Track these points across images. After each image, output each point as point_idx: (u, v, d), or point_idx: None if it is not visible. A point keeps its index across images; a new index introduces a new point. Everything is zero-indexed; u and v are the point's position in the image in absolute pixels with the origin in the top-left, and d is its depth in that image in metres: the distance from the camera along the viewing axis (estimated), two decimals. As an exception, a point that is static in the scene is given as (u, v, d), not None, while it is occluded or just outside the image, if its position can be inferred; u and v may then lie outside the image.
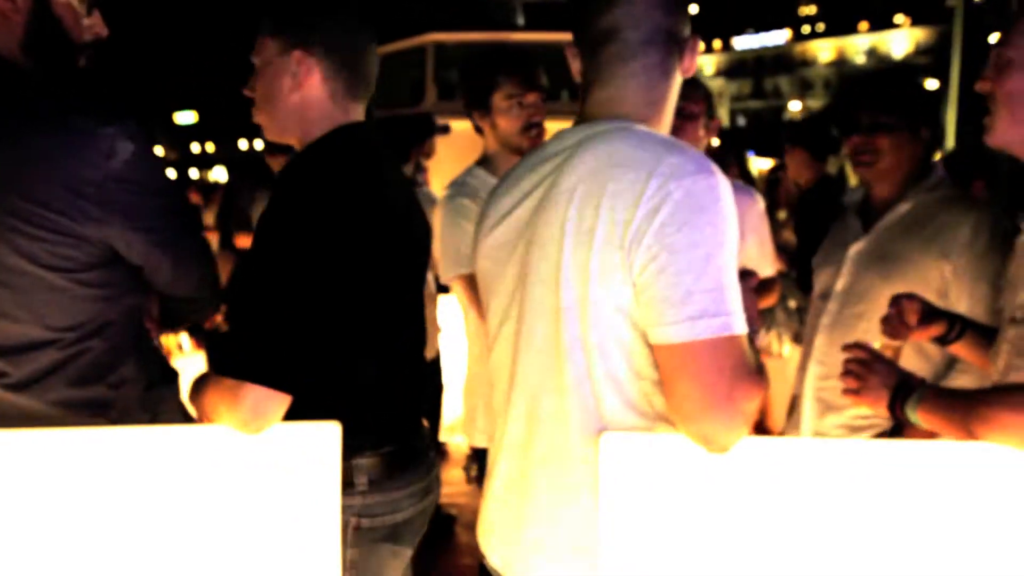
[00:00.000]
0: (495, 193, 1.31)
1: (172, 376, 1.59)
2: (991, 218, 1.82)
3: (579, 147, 1.15)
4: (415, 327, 1.48)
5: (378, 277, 1.30)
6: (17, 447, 1.20)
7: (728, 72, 72.51)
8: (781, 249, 3.48)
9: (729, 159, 3.34)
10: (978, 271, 1.78)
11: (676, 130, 2.20)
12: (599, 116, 1.20)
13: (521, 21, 7.50)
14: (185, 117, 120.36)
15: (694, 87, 2.23)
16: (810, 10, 72.48)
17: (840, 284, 1.98)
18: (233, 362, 1.21)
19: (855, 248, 1.98)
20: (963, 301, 1.79)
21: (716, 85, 72.87)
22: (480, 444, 2.22)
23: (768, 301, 2.57)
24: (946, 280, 1.81)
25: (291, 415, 1.24)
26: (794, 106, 66.06)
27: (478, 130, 2.20)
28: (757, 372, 1.06)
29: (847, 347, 1.47)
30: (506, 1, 7.50)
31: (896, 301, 1.60)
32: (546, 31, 7.10)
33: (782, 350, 3.14)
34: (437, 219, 2.15)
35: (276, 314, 1.22)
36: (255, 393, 1.18)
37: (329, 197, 1.25)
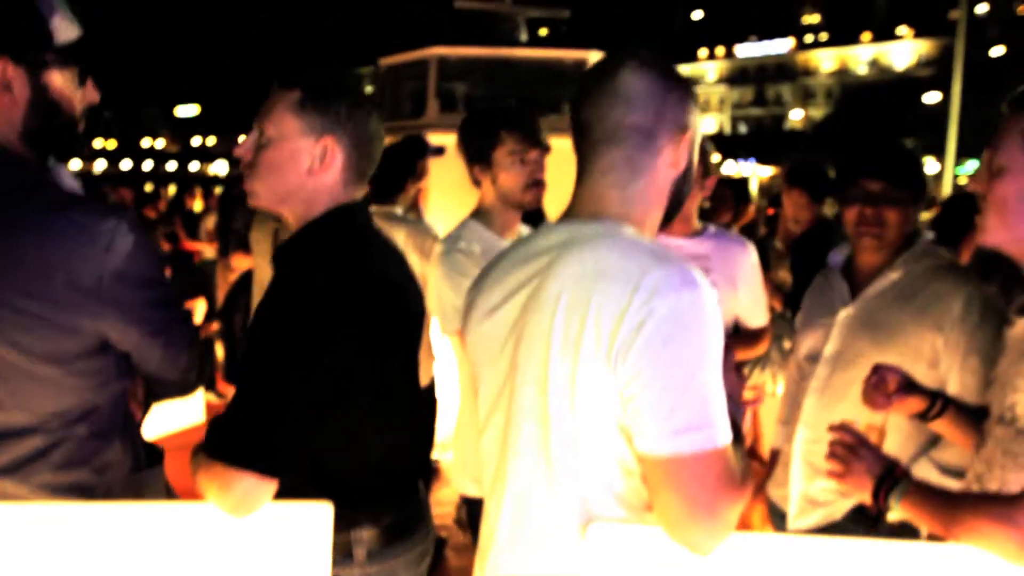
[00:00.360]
0: (483, 281, 1.32)
1: (157, 458, 1.59)
2: (982, 291, 1.84)
3: (564, 250, 1.16)
4: (412, 396, 1.50)
5: (373, 359, 1.32)
6: (2, 522, 1.20)
7: (730, 79, 72.63)
8: (777, 288, 3.50)
9: (723, 204, 3.35)
10: (970, 345, 1.79)
11: None
12: (581, 214, 1.22)
13: (524, 37, 7.50)
14: (187, 110, 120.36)
15: None
16: (813, 19, 72.67)
17: (830, 349, 1.99)
18: (226, 446, 1.22)
19: (844, 313, 1.98)
20: (954, 373, 1.81)
21: (718, 92, 73.03)
22: (469, 493, 2.23)
23: (759, 349, 2.59)
24: (937, 352, 1.82)
25: (285, 490, 1.25)
26: (796, 115, 66.19)
27: (476, 183, 2.20)
28: (740, 480, 1.08)
29: (833, 428, 1.49)
30: (510, 17, 7.49)
31: (876, 370, 1.62)
32: (549, 47, 7.13)
33: (775, 389, 3.16)
34: (433, 272, 2.15)
35: (270, 398, 1.23)
36: (246, 481, 1.19)
37: (323, 286, 1.27)
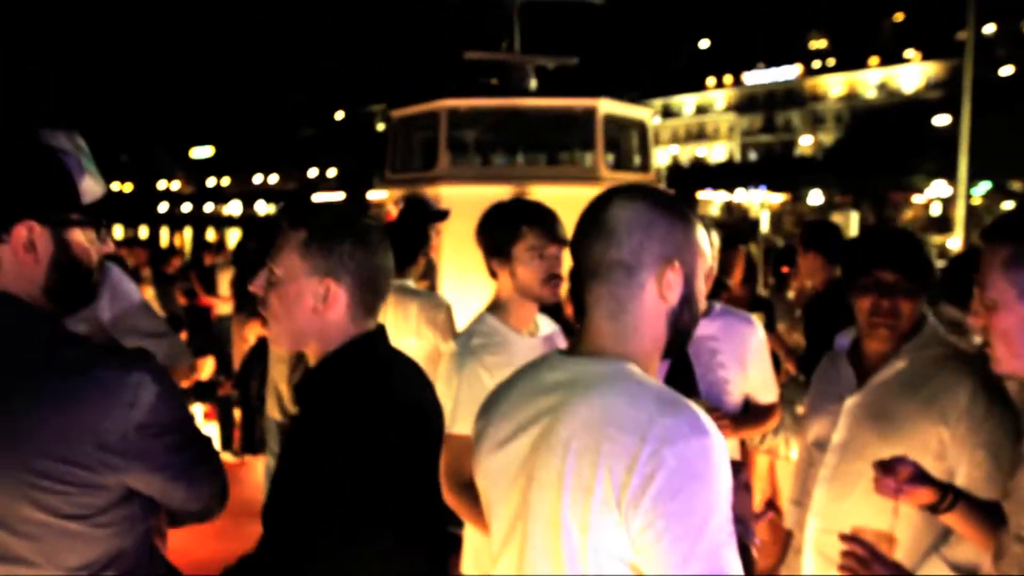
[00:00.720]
0: (492, 412, 1.34)
1: None
2: (989, 380, 1.82)
3: (572, 392, 1.18)
4: (436, 508, 1.50)
5: (400, 488, 1.33)
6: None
7: (739, 107, 72.95)
8: (790, 352, 3.49)
9: (727, 280, 3.34)
10: (976, 438, 1.78)
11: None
12: (584, 350, 1.24)
13: (534, 85, 7.57)
14: (201, 152, 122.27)
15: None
16: (820, 44, 73.07)
17: (837, 438, 1.99)
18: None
19: (851, 402, 1.98)
20: (962, 466, 1.80)
21: (727, 120, 73.34)
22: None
23: (770, 425, 2.57)
24: (944, 444, 1.82)
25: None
26: (805, 140, 66.27)
27: (493, 275, 2.20)
28: None
29: (843, 538, 1.49)
30: (519, 66, 7.57)
31: (887, 464, 1.62)
32: (558, 96, 7.20)
33: (789, 453, 3.14)
34: (446, 368, 2.15)
35: (299, 544, 1.25)
36: None
37: (344, 423, 1.30)
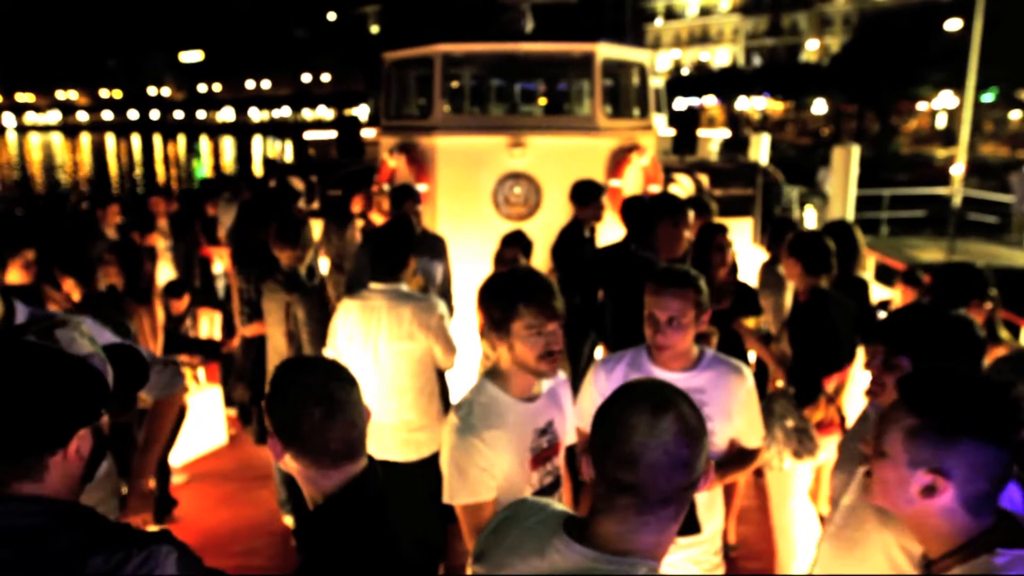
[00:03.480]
0: (491, 555, 1.40)
1: None
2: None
3: None
4: None
5: None
6: None
7: (744, 8, 70.48)
8: (780, 362, 3.52)
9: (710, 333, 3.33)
10: None
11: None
12: (605, 547, 1.26)
13: (530, 27, 7.32)
14: (191, 56, 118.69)
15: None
16: (831, -59, 69.93)
17: (846, 500, 2.04)
18: None
19: (863, 470, 1.95)
20: None
21: (731, 22, 71.02)
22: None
23: (753, 467, 2.62)
24: None
25: None
26: (811, 45, 64.39)
27: (493, 346, 2.20)
28: None
29: None
30: (515, 7, 7.30)
31: None
32: (554, 41, 6.99)
33: (782, 464, 3.19)
34: (448, 440, 2.13)
35: None
36: None
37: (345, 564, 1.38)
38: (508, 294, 2.09)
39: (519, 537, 1.39)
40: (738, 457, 2.51)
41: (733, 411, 2.43)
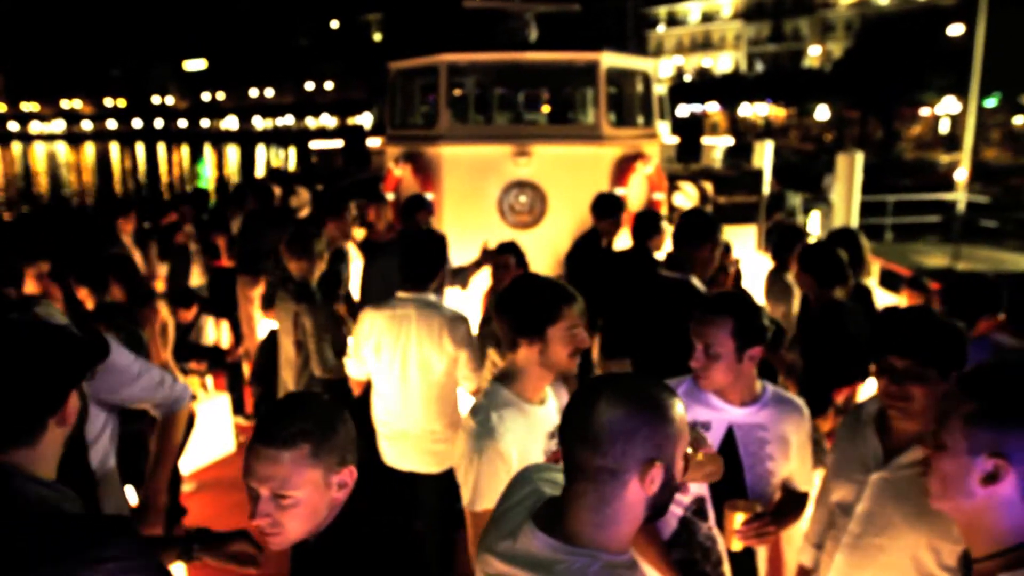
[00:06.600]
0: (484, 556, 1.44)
1: None
2: None
3: None
4: None
5: None
6: None
7: (746, 14, 70.56)
8: (789, 371, 3.53)
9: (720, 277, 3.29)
10: None
11: None
12: (568, 539, 1.31)
13: (534, 36, 7.36)
14: (195, 64, 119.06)
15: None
16: (833, -53, 69.99)
17: (861, 508, 2.00)
18: None
19: (877, 476, 1.99)
20: None
21: (734, 28, 71.10)
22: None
23: (802, 515, 2.36)
24: None
25: None
26: (814, 51, 64.44)
27: (512, 348, 2.18)
28: None
29: None
30: (520, 16, 7.35)
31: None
32: (558, 49, 7.03)
33: None
34: (466, 446, 2.11)
35: None
36: None
37: None
38: (548, 298, 2.12)
39: (505, 513, 1.46)
40: (792, 503, 2.34)
41: (791, 450, 2.29)
